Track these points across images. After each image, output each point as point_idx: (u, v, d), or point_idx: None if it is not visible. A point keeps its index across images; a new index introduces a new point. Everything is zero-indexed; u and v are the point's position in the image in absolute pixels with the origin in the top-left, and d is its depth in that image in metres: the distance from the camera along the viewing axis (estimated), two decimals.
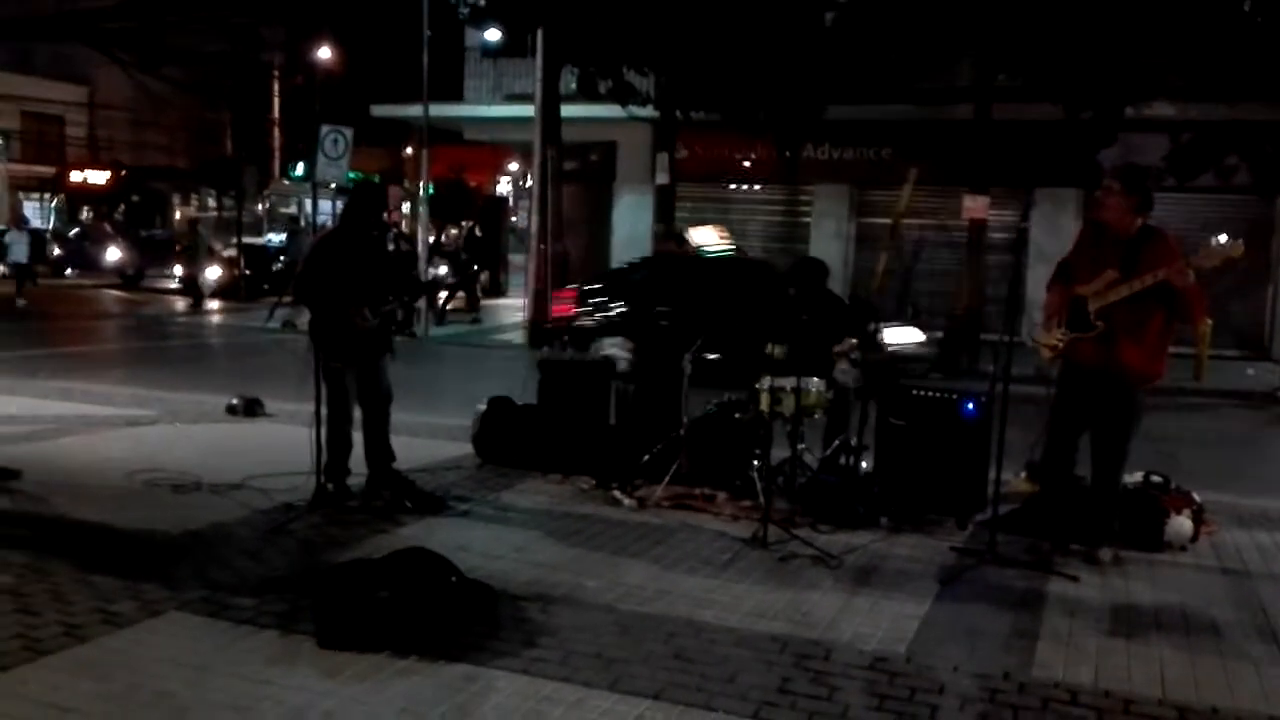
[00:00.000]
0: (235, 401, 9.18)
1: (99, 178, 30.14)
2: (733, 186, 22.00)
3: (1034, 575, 5.46)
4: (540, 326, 17.23)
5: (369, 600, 4.24)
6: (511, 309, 21.91)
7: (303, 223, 31.03)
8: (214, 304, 22.23)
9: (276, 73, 37.79)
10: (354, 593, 4.29)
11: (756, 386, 6.53)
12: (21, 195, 37.81)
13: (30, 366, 11.86)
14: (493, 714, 3.72)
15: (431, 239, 22.16)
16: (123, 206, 29.18)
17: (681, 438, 6.88)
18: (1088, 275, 5.62)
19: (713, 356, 7.31)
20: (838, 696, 3.95)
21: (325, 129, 19.51)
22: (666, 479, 6.74)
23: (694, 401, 7.05)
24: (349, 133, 19.57)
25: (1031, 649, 4.50)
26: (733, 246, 16.98)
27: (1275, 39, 14.76)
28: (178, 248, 25.13)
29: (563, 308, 14.44)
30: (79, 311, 21.33)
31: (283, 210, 34.75)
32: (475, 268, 21.67)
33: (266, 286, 22.69)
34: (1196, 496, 6.29)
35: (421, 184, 20.73)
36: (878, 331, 12.79)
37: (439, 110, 20.41)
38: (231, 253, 24.30)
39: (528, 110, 18.38)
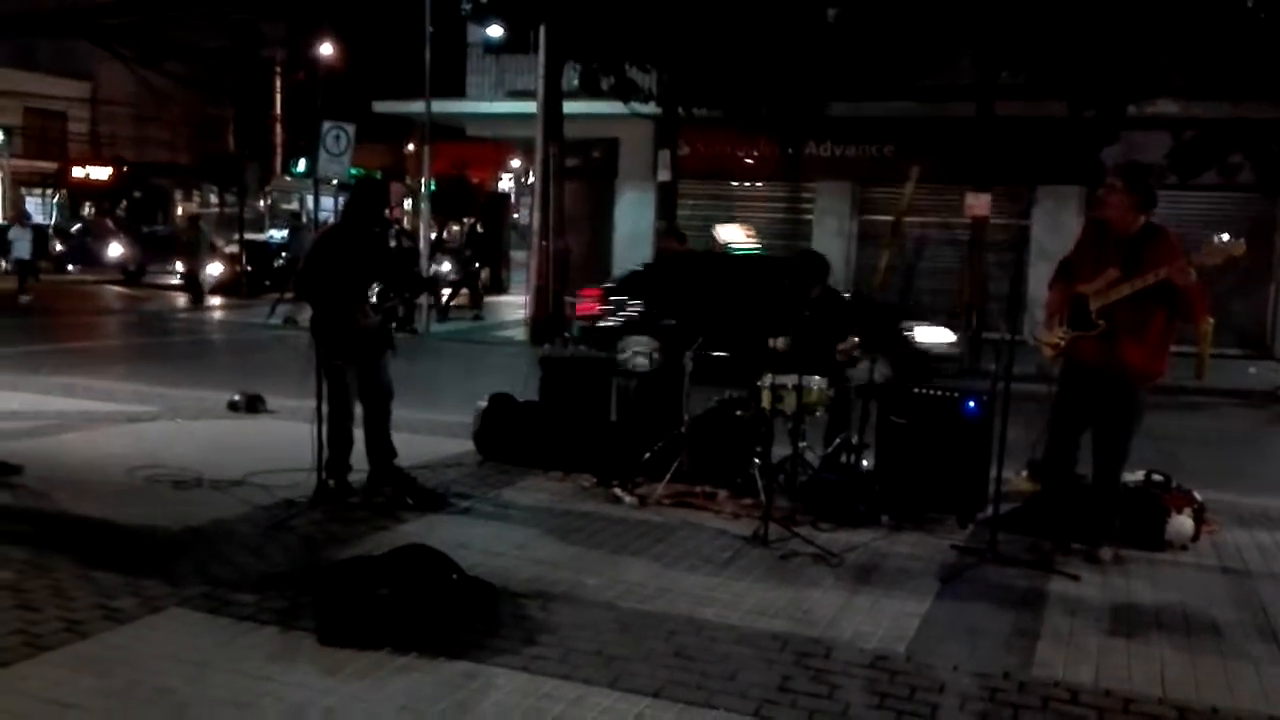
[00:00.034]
0: (237, 398, 9.19)
1: (101, 173, 30.17)
2: (734, 183, 21.98)
3: (1035, 574, 5.46)
4: (539, 323, 17.24)
5: (370, 597, 4.24)
6: (513, 306, 21.93)
7: (304, 219, 31.04)
8: (215, 300, 22.24)
9: (278, 68, 37.80)
10: (355, 589, 4.29)
11: (758, 384, 6.53)
12: (24, 191, 37.86)
13: (32, 362, 11.87)
14: (493, 711, 3.72)
15: (433, 235, 22.17)
16: (125, 202, 29.21)
17: (683, 435, 6.88)
18: (1090, 274, 5.61)
19: (722, 354, 7.30)
20: (838, 695, 3.95)
21: (327, 125, 19.50)
22: (667, 476, 6.74)
23: (695, 399, 7.05)
24: (351, 129, 19.57)
25: (1032, 648, 4.50)
26: (759, 245, 16.95)
27: (1278, 36, 14.73)
28: (179, 244, 25.14)
29: (587, 306, 14.40)
30: (81, 307, 21.35)
31: (284, 206, 34.74)
32: (477, 265, 21.68)
33: (268, 283, 22.71)
34: (1197, 495, 6.28)
35: (423, 180, 20.74)
36: (909, 331, 12.84)
37: (441, 106, 20.40)
38: (233, 249, 24.31)
39: (530, 107, 18.37)
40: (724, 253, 15.90)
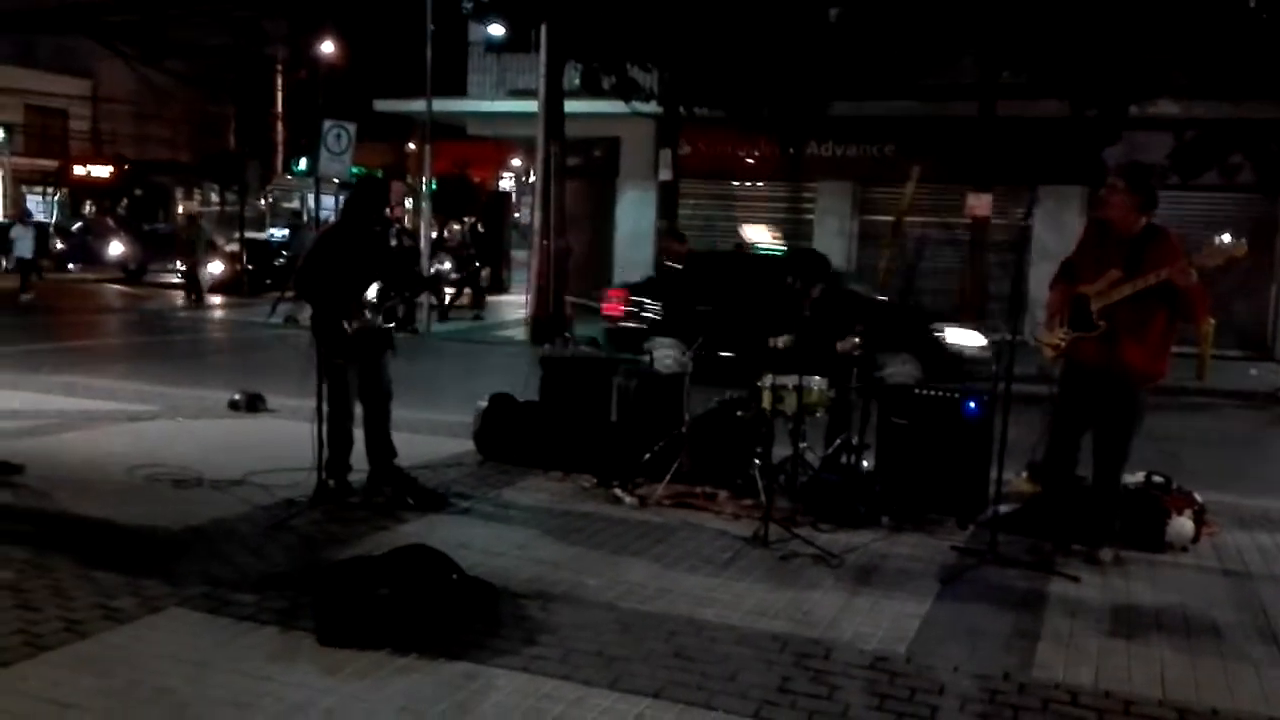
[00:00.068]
0: (237, 397, 9.19)
1: (102, 171, 30.16)
2: (736, 183, 21.97)
3: (1035, 575, 5.46)
4: (539, 322, 17.22)
5: (369, 597, 4.24)
6: (514, 305, 21.92)
7: (305, 218, 31.03)
8: (216, 299, 22.23)
9: (280, 67, 37.77)
10: (354, 590, 4.29)
11: (758, 384, 6.53)
12: (25, 189, 37.84)
13: (33, 361, 11.88)
14: (493, 712, 3.72)
15: (434, 234, 22.15)
16: (125, 201, 29.20)
17: (683, 436, 6.88)
18: (1091, 274, 5.61)
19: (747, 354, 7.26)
20: (838, 696, 3.95)
21: (328, 124, 19.50)
22: (668, 477, 6.74)
23: (696, 399, 7.05)
24: (352, 128, 19.57)
25: (1032, 649, 4.50)
26: (785, 245, 16.93)
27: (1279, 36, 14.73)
28: (179, 242, 25.14)
29: (612, 307, 14.38)
30: (81, 306, 21.35)
31: (285, 205, 34.73)
32: (477, 264, 21.66)
33: (269, 282, 22.70)
34: (1198, 497, 6.28)
35: (424, 179, 20.73)
36: (939, 333, 12.82)
37: (442, 105, 20.39)
38: (234, 248, 24.31)
39: (531, 106, 18.36)
40: (751, 253, 15.88)
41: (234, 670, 3.94)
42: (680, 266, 8.98)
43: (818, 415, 6.62)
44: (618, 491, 6.73)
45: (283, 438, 7.57)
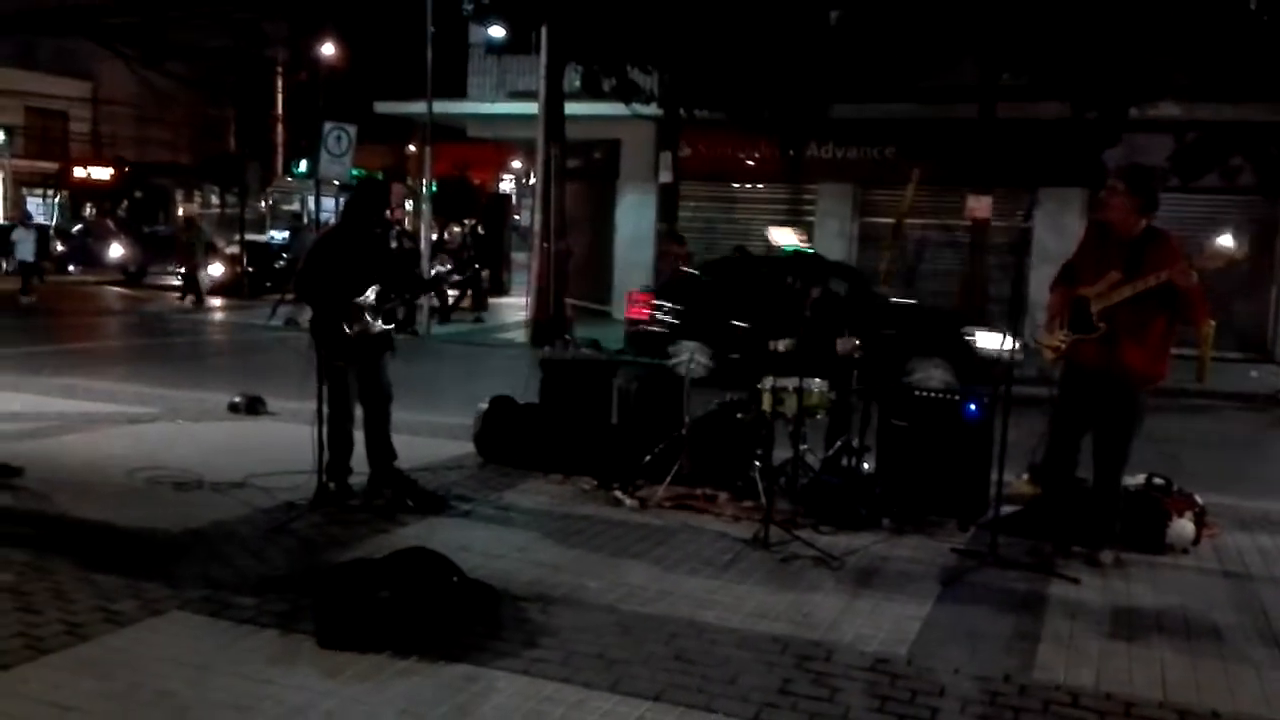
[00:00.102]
0: (237, 399, 9.19)
1: (102, 174, 30.16)
2: (736, 185, 21.98)
3: (1035, 577, 5.46)
4: (540, 325, 17.22)
5: (370, 600, 4.24)
6: (514, 307, 21.93)
7: (306, 220, 31.05)
8: (216, 301, 22.24)
9: (280, 69, 37.80)
10: (355, 592, 4.29)
11: (758, 386, 6.53)
12: (25, 191, 37.87)
13: (33, 363, 11.88)
14: (493, 715, 3.72)
15: (434, 237, 22.15)
16: (126, 203, 29.20)
17: (683, 438, 6.88)
18: (1091, 277, 5.61)
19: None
20: (839, 698, 3.95)
21: (328, 126, 19.51)
22: (668, 479, 6.73)
23: (696, 401, 7.05)
24: (352, 130, 19.58)
25: (1033, 651, 4.50)
26: (811, 248, 16.88)
27: None
28: (178, 245, 25.15)
29: (636, 310, 14.35)
30: (82, 308, 21.35)
31: (285, 207, 34.75)
32: (477, 266, 21.66)
33: (269, 284, 22.71)
34: (1198, 499, 6.28)
35: (424, 181, 20.74)
36: (970, 336, 12.81)
37: (442, 107, 20.40)
38: (234, 250, 24.31)
39: (531, 108, 18.38)
40: (778, 255, 15.83)
41: (234, 673, 3.94)
42: (695, 271, 8.97)
43: (818, 417, 6.62)
44: (618, 494, 6.73)
45: (283, 440, 7.57)
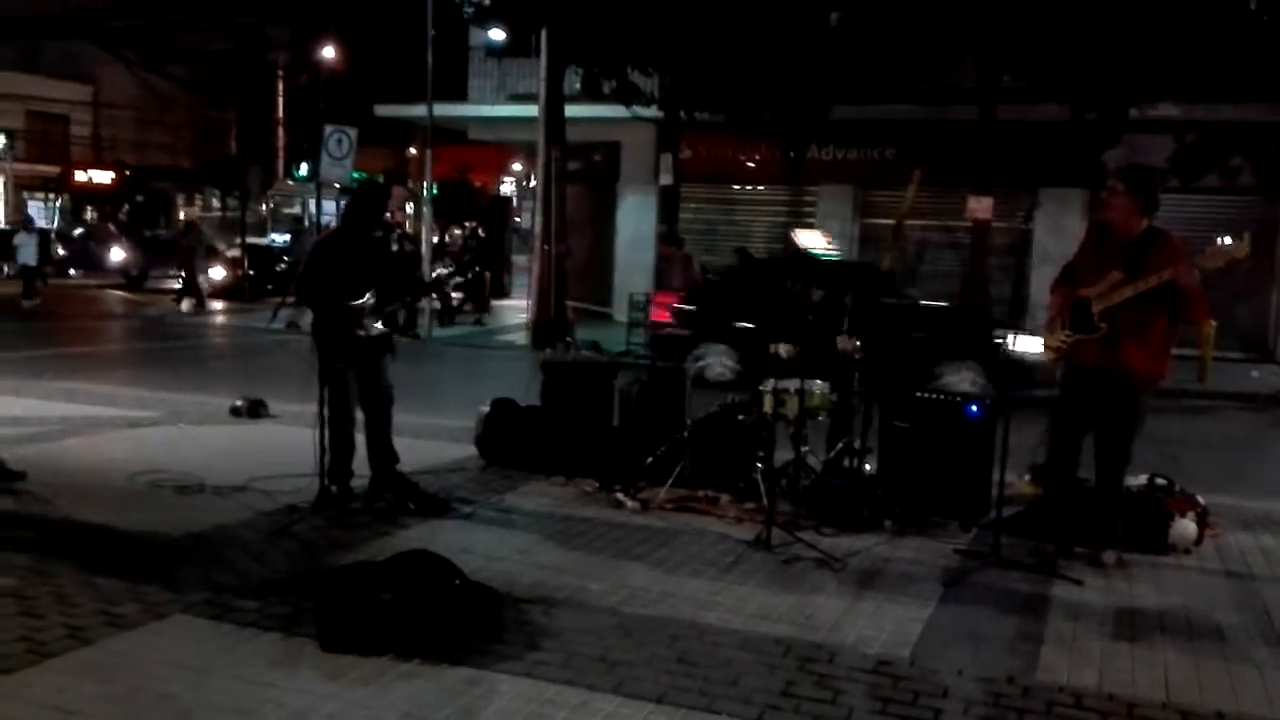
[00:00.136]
0: (239, 403, 9.19)
1: (103, 177, 30.17)
2: (736, 187, 21.99)
3: (1038, 578, 5.46)
4: (541, 327, 17.22)
5: (372, 603, 4.24)
6: (515, 310, 21.93)
7: (307, 223, 31.06)
8: (217, 304, 22.25)
9: (281, 72, 37.86)
10: (357, 595, 4.29)
11: (760, 388, 6.53)
12: (26, 195, 37.90)
13: (35, 367, 11.88)
14: (496, 717, 3.72)
15: (435, 239, 22.16)
16: (127, 206, 29.21)
17: (685, 440, 6.87)
18: (1092, 277, 5.61)
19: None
20: (841, 700, 3.95)
21: (329, 129, 19.53)
22: (670, 481, 6.73)
23: (697, 403, 7.05)
24: (353, 133, 19.60)
25: (1035, 652, 4.49)
26: (837, 251, 16.84)
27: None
28: (179, 248, 25.16)
29: (660, 314, 14.33)
30: (83, 312, 21.36)
31: (287, 210, 34.76)
32: (477, 268, 21.68)
33: (270, 287, 22.71)
34: (1201, 499, 6.28)
35: (425, 184, 20.75)
36: (1003, 339, 12.77)
37: (443, 110, 20.42)
38: (235, 253, 24.33)
39: (532, 110, 18.39)
40: (806, 259, 15.80)
41: (236, 677, 3.94)
42: (715, 277, 8.96)
43: (820, 419, 6.62)
44: (620, 496, 6.73)
45: (285, 443, 7.57)
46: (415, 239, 20.75)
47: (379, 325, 6.32)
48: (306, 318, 6.51)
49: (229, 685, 3.87)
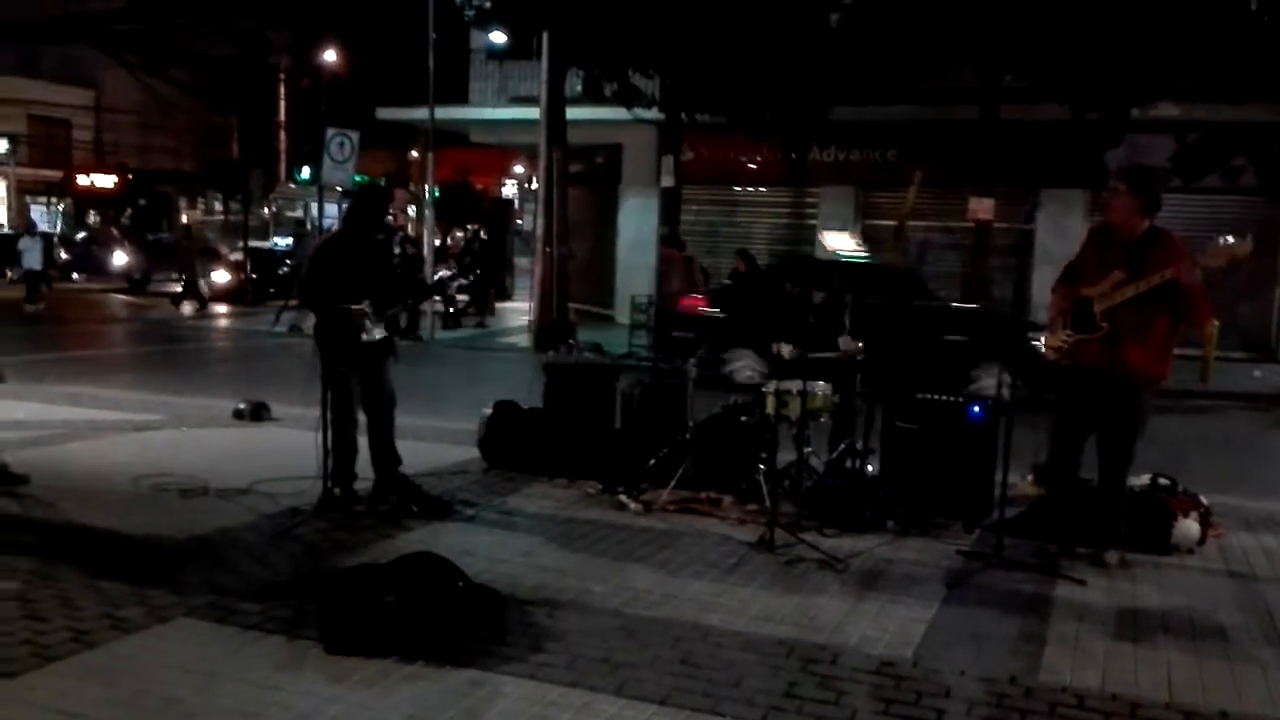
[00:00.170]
0: (242, 406, 9.20)
1: (106, 181, 30.25)
2: (738, 188, 22.00)
3: (1041, 579, 5.46)
4: (543, 329, 17.22)
5: (375, 605, 4.25)
6: (517, 312, 21.94)
7: (309, 226, 31.10)
8: (220, 308, 22.27)
9: (283, 76, 37.90)
10: (360, 598, 4.29)
11: (762, 389, 6.54)
12: (29, 199, 37.95)
13: (38, 371, 11.89)
14: (499, 719, 3.73)
15: (437, 242, 22.17)
16: (129, 210, 29.28)
17: (687, 441, 6.88)
18: (1094, 277, 5.61)
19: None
20: (844, 701, 3.95)
21: (331, 132, 19.56)
22: (672, 483, 6.74)
23: (699, 405, 7.05)
24: (355, 136, 19.63)
25: (1038, 653, 4.49)
26: (868, 253, 16.80)
27: None
28: (179, 252, 25.21)
29: (690, 316, 14.31)
30: (86, 316, 21.39)
31: (289, 214, 34.83)
32: (478, 271, 21.70)
33: (272, 290, 22.74)
34: (1203, 499, 6.28)
35: (427, 187, 20.77)
36: (1037, 343, 12.72)
37: (444, 113, 20.44)
38: (238, 256, 24.37)
39: (533, 113, 18.41)
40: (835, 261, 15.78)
41: (241, 679, 3.95)
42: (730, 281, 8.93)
43: (822, 420, 6.63)
44: (623, 498, 6.74)
45: (288, 446, 7.58)
46: (417, 241, 20.76)
47: (381, 328, 6.33)
48: (309, 321, 6.51)
49: (233, 688, 3.88)
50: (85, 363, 14.08)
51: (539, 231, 18.26)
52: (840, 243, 16.45)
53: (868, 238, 20.27)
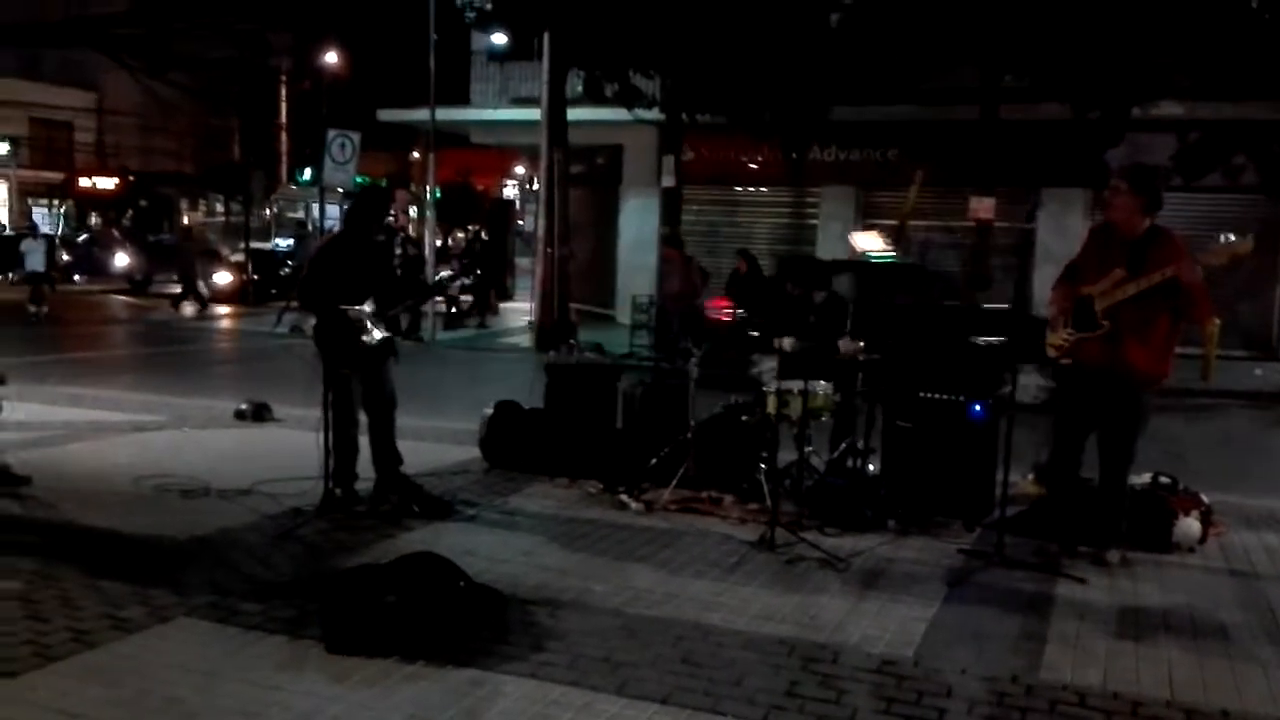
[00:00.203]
0: (243, 407, 9.21)
1: (107, 183, 30.27)
2: (739, 188, 22.00)
3: (1042, 577, 5.46)
4: (544, 330, 17.23)
5: (377, 605, 4.25)
6: (519, 312, 21.94)
7: (310, 227, 31.13)
8: (221, 309, 22.28)
9: (284, 78, 37.92)
10: (362, 598, 4.30)
11: (763, 389, 6.54)
12: (30, 201, 37.99)
13: (39, 372, 11.89)
14: (500, 719, 3.73)
15: (439, 243, 22.17)
16: (131, 212, 29.31)
17: (688, 441, 6.88)
18: (1095, 276, 5.61)
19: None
20: (845, 699, 3.95)
21: (332, 133, 19.57)
22: (673, 482, 6.74)
23: (701, 405, 7.06)
24: (356, 137, 19.64)
25: (1039, 651, 4.49)
26: (897, 253, 16.75)
27: None
28: (179, 254, 25.22)
29: (720, 317, 14.31)
30: (88, 317, 21.40)
31: (290, 215, 34.85)
32: (478, 271, 21.68)
33: (274, 291, 22.77)
34: (1204, 497, 6.28)
35: (428, 188, 20.78)
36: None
37: (445, 114, 20.45)
38: (239, 258, 24.39)
39: (534, 114, 18.42)
40: (864, 261, 15.75)
41: (242, 679, 3.95)
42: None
43: (823, 419, 6.63)
44: (624, 497, 6.74)
45: (289, 447, 7.59)
46: (418, 242, 20.78)
47: (381, 329, 6.33)
48: (310, 322, 6.52)
49: (235, 688, 3.88)
50: (87, 364, 14.08)
51: (540, 232, 18.27)
52: (870, 243, 16.44)
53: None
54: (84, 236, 29.28)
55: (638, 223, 21.83)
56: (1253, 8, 15.29)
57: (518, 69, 22.62)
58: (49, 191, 35.86)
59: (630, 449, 7.14)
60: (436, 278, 9.52)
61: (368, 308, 6.25)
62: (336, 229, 8.26)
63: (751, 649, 4.39)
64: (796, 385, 6.29)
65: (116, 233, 28.51)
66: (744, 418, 6.95)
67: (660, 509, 6.57)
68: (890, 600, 5.06)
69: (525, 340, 18.36)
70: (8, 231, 31.29)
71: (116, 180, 30.24)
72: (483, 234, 24.71)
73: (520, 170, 38.11)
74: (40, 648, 4.17)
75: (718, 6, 16.13)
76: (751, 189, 22.01)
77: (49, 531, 5.78)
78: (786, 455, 6.73)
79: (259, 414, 9.16)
